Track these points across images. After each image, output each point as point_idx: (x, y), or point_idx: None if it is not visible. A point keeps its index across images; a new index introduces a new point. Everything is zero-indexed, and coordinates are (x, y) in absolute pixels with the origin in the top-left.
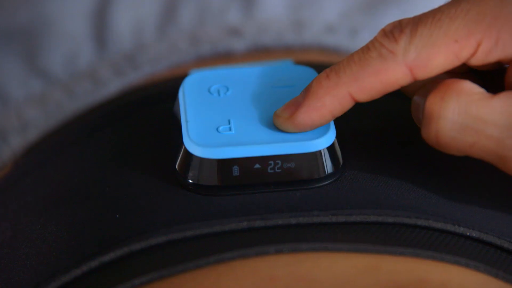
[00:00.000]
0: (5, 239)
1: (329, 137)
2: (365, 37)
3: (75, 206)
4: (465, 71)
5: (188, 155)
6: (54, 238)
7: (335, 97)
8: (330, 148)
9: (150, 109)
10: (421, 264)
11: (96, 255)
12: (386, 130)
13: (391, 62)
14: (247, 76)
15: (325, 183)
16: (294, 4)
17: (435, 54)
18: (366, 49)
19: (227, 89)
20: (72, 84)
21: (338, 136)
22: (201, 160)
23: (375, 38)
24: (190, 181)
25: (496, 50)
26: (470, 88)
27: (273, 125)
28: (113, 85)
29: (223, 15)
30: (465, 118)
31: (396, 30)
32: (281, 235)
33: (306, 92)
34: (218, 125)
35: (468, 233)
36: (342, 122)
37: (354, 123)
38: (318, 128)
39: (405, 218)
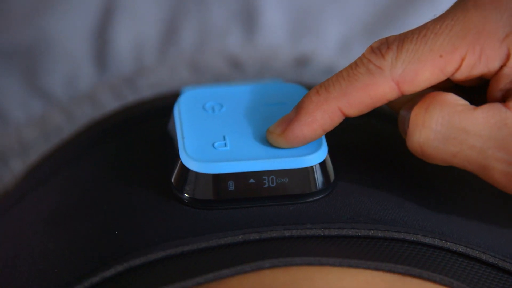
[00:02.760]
0: (8, 258)
1: (321, 153)
2: None
3: (74, 224)
4: (450, 87)
5: (185, 170)
6: (55, 255)
7: (325, 112)
8: (322, 164)
9: (145, 126)
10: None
11: (97, 271)
12: (377, 147)
13: (378, 77)
14: (241, 93)
15: (318, 197)
16: (295, 29)
17: (421, 69)
18: (355, 65)
19: (221, 106)
20: (71, 107)
21: (330, 152)
22: (198, 174)
23: (363, 55)
24: (186, 195)
25: (479, 65)
26: (453, 99)
27: (267, 141)
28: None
29: (224, 39)
30: (448, 129)
31: (383, 47)
32: (275, 249)
33: (298, 108)
34: (213, 141)
35: (454, 248)
36: (335, 139)
37: (346, 140)
38: (310, 144)
39: (395, 232)
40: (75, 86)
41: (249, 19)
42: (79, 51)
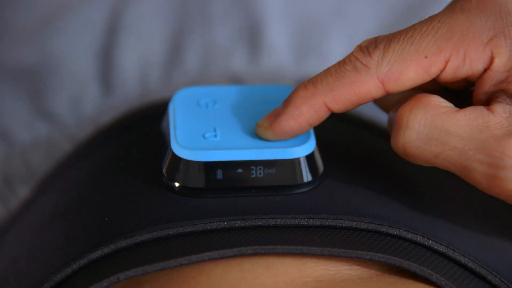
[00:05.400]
0: (11, 256)
1: (309, 146)
2: None
3: (70, 217)
4: (438, 89)
5: (175, 158)
6: (50, 246)
7: (311, 107)
8: (310, 157)
9: (141, 129)
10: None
11: (85, 254)
12: (367, 146)
13: (364, 75)
14: (235, 92)
15: (304, 189)
16: (299, 48)
17: (406, 69)
18: (342, 62)
19: (215, 103)
20: (76, 131)
21: (322, 148)
22: (187, 162)
23: (351, 53)
24: (175, 183)
25: (463, 67)
26: (437, 102)
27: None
28: None
29: (228, 59)
30: (431, 130)
31: (371, 46)
32: (259, 237)
33: (285, 102)
34: (204, 132)
35: (435, 247)
36: (327, 138)
37: (337, 137)
38: (298, 137)
39: (378, 225)
40: (80, 108)
41: (253, 38)
42: (84, 72)
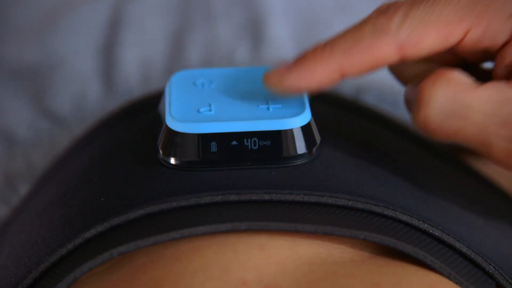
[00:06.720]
0: (13, 241)
1: (304, 117)
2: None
3: (67, 201)
4: (455, 63)
5: (169, 131)
6: (47, 230)
7: (325, 69)
8: (305, 128)
9: (138, 117)
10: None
11: (80, 233)
12: (367, 130)
13: (383, 38)
14: (231, 73)
15: (301, 161)
16: (302, 43)
17: (426, 35)
18: (360, 25)
19: (211, 83)
20: (78, 129)
21: (320, 125)
22: (181, 135)
23: (370, 15)
24: (171, 158)
25: (483, 39)
26: (459, 77)
27: (252, 109)
28: None
29: (231, 56)
30: (453, 105)
31: (391, 9)
32: (253, 212)
33: (300, 58)
34: (199, 107)
35: (431, 231)
36: (325, 118)
37: (335, 120)
38: (293, 108)
39: (374, 206)
40: (82, 106)
41: (255, 34)
42: (87, 70)
